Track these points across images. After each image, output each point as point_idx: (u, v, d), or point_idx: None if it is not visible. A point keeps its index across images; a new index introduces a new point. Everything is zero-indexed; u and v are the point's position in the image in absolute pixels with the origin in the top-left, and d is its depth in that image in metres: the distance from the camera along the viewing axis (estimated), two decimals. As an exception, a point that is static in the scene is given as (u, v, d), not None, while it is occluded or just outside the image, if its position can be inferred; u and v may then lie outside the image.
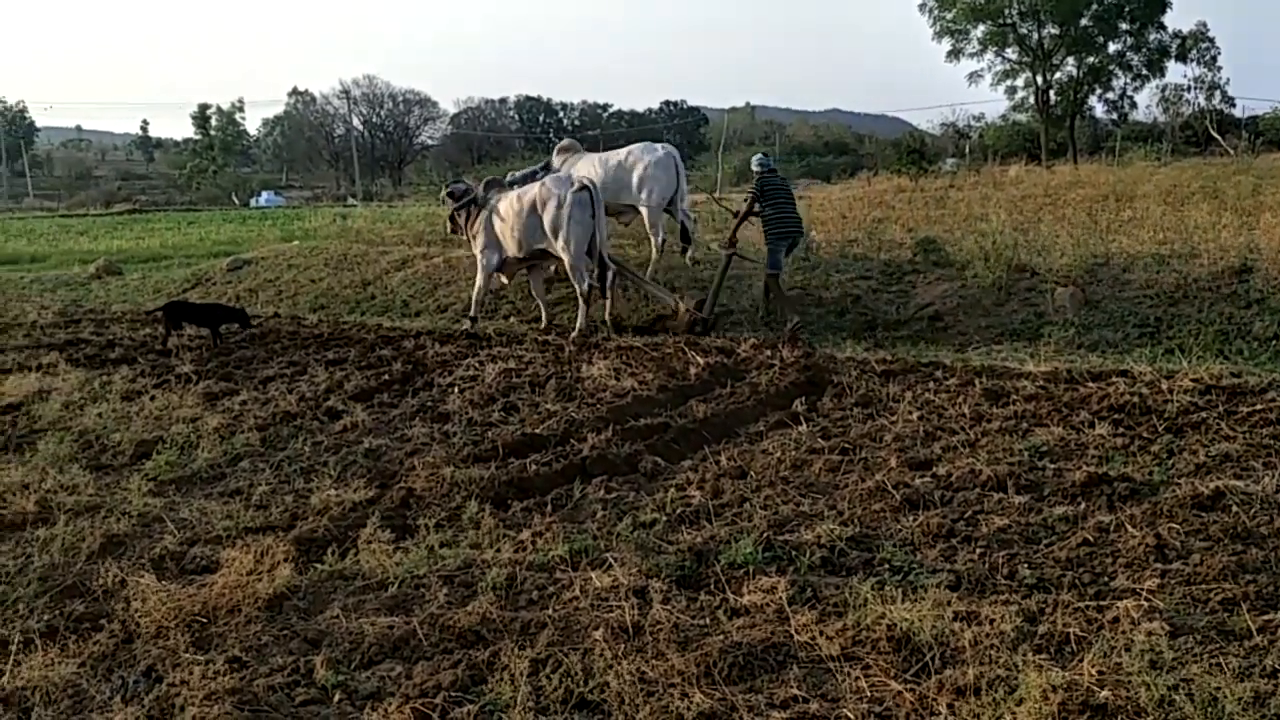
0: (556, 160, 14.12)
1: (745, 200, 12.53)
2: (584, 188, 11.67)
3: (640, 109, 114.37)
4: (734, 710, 3.57)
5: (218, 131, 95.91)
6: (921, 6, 54.99)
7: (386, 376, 9.53)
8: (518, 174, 13.70)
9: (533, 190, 11.90)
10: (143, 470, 6.84)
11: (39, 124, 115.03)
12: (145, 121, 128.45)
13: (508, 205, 12.04)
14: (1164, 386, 7.68)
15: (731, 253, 12.38)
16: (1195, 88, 61.23)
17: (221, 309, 13.06)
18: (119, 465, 7.09)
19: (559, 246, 11.60)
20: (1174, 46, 55.59)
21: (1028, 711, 3.42)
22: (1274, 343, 9.43)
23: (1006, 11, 53.16)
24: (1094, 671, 3.59)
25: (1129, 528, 5.01)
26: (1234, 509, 5.15)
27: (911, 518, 5.36)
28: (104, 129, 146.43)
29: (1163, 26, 54.12)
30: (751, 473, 6.35)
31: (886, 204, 21.09)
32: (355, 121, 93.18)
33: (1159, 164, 34.40)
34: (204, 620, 4.52)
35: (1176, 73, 76.83)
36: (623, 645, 4.04)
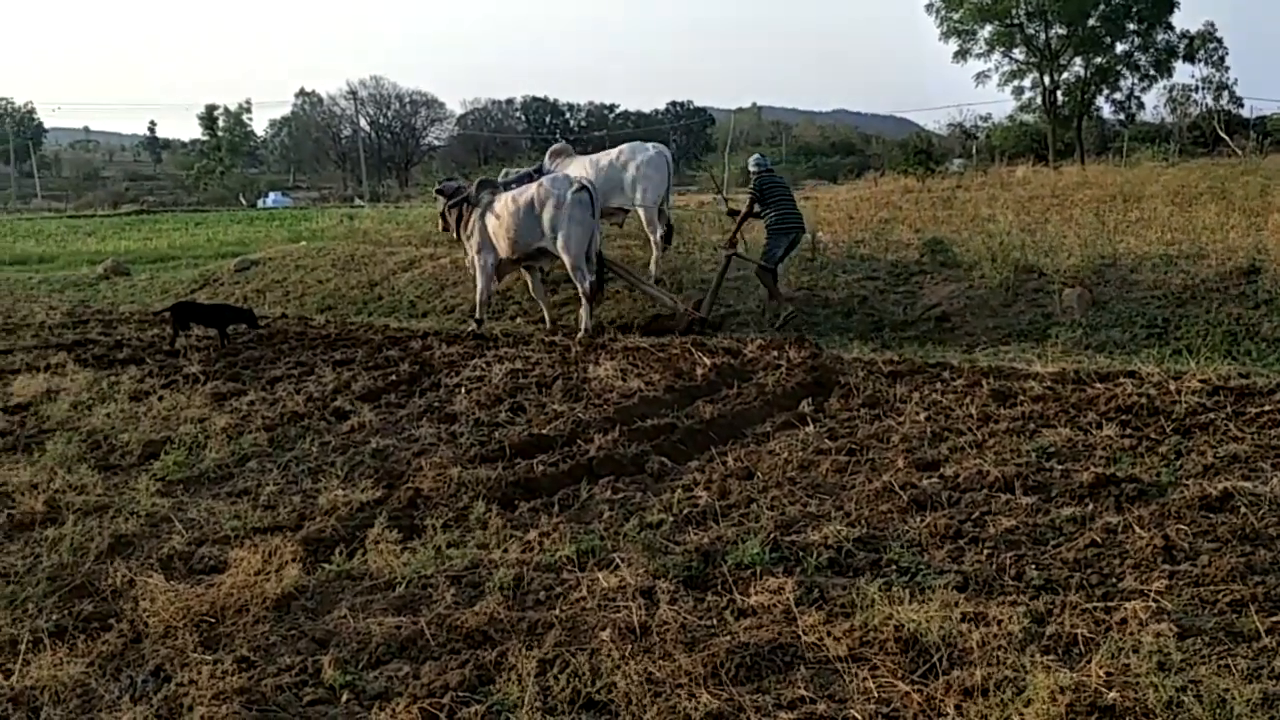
0: (549, 163, 14.17)
1: (746, 201, 12.59)
2: (584, 188, 11.68)
3: (647, 110, 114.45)
4: (741, 710, 3.57)
5: (225, 132, 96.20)
6: (929, 7, 54.94)
7: (394, 377, 9.54)
8: (511, 175, 13.72)
9: (530, 190, 11.89)
10: (151, 470, 6.85)
11: (47, 125, 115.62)
12: (153, 122, 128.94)
13: (503, 206, 12.02)
14: (1172, 387, 7.67)
15: (731, 253, 12.42)
16: (1203, 88, 61.07)
17: (229, 309, 13.09)
18: (127, 465, 7.10)
19: (559, 246, 11.60)
20: (1182, 47, 55.46)
21: (1035, 713, 3.41)
22: (1282, 343, 9.40)
23: (1014, 12, 53.07)
24: (1102, 673, 3.59)
25: (1137, 529, 5.00)
26: (1242, 510, 5.14)
27: (919, 518, 5.36)
28: (112, 130, 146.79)
29: (1170, 27, 54.02)
30: (758, 473, 6.35)
31: (893, 204, 21.06)
32: (362, 122, 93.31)
33: (1166, 164, 34.29)
34: (212, 620, 4.53)
35: (1184, 73, 76.56)
36: (630, 645, 4.04)
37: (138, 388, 9.41)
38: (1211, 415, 6.98)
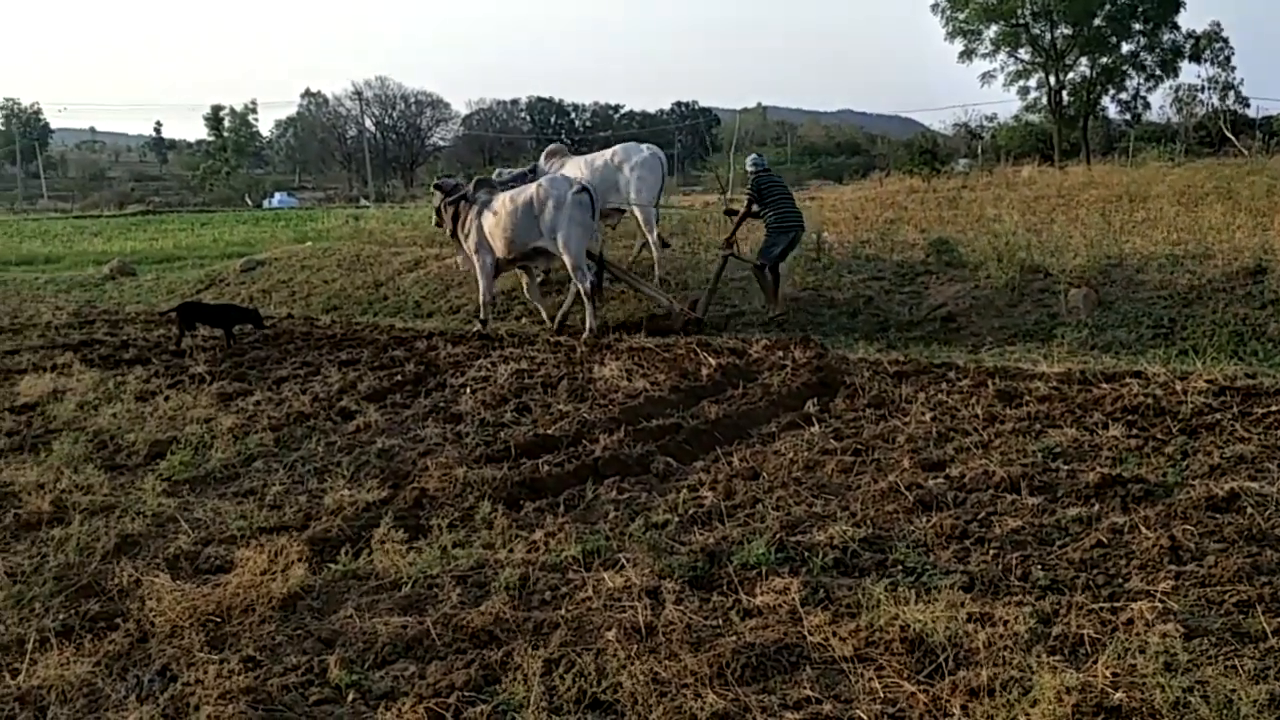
0: (544, 162, 14.22)
1: (734, 201, 12.61)
2: (584, 189, 11.72)
3: (651, 110, 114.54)
4: (747, 711, 3.57)
5: (231, 133, 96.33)
6: (934, 7, 54.98)
7: (399, 377, 9.55)
8: (505, 175, 13.75)
9: (529, 190, 11.90)
10: (157, 470, 6.86)
11: (53, 125, 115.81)
12: (159, 123, 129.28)
13: (501, 205, 12.04)
14: (1178, 388, 7.65)
15: (728, 254, 12.44)
16: (1209, 88, 60.97)
17: (235, 310, 13.10)
18: (133, 465, 7.11)
19: (560, 247, 11.62)
20: (1188, 47, 55.46)
21: (1042, 713, 3.41)
22: (1289, 344, 9.38)
23: (1019, 12, 53.08)
24: (1108, 673, 3.58)
25: (1143, 529, 4.99)
26: (1249, 510, 5.13)
27: (924, 519, 5.35)
28: (118, 130, 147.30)
29: (1176, 26, 54.04)
30: (764, 474, 6.35)
31: (899, 205, 21.08)
32: (367, 123, 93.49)
33: (1173, 164, 34.28)
34: (218, 620, 4.53)
35: (1190, 73, 76.37)
36: (635, 645, 4.04)
37: (144, 388, 9.43)
38: (1218, 415, 6.96)
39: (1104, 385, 7.94)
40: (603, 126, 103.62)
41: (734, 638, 4.06)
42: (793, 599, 4.38)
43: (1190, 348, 9.58)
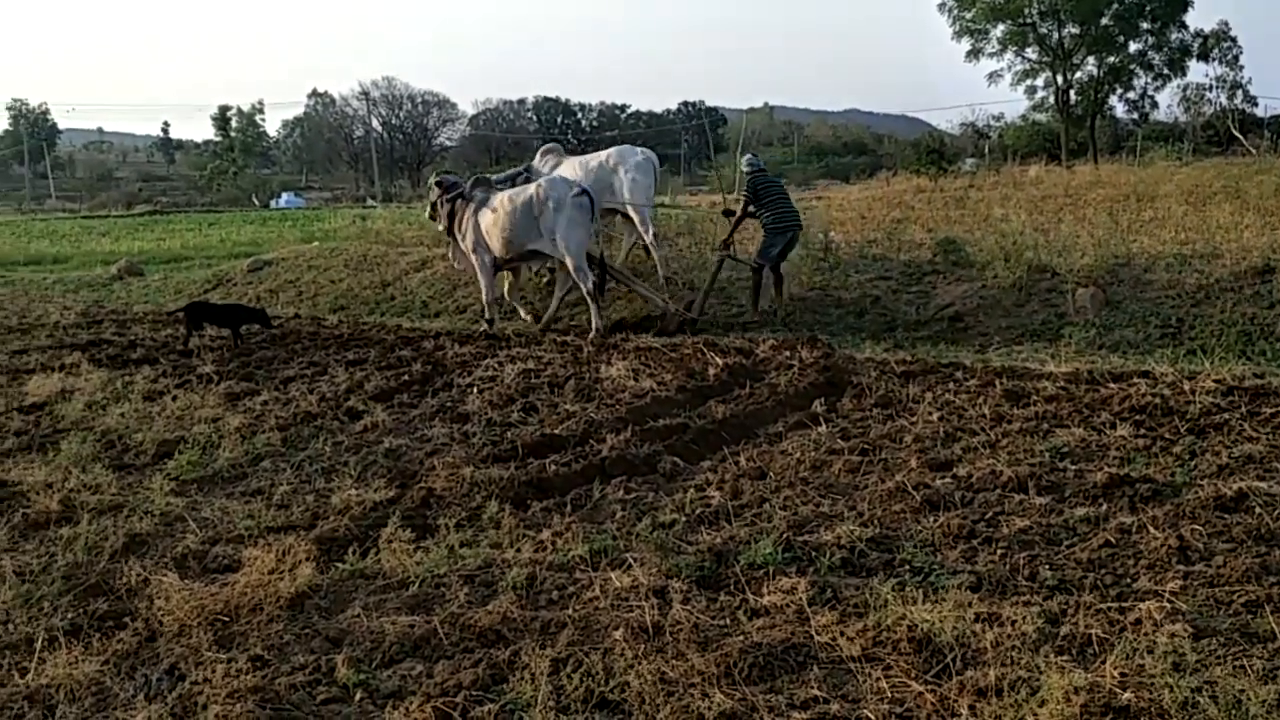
0: (539, 163, 14.27)
1: (739, 202, 12.62)
2: (584, 191, 11.77)
3: (658, 109, 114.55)
4: (754, 710, 3.57)
5: (238, 133, 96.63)
6: (941, 6, 54.93)
7: (406, 377, 9.56)
8: (501, 175, 13.79)
9: (529, 191, 11.92)
10: (165, 470, 6.88)
11: (61, 126, 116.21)
12: (166, 123, 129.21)
13: (499, 205, 12.05)
14: (1186, 387, 7.63)
15: (725, 255, 12.45)
16: (1217, 87, 60.89)
17: (242, 310, 13.13)
18: (141, 465, 7.13)
19: (560, 248, 11.64)
20: (1195, 46, 55.36)
21: (1050, 713, 3.40)
22: (1297, 343, 9.35)
23: (1026, 11, 53.01)
24: (1116, 673, 3.58)
25: (1151, 529, 4.98)
26: (1257, 510, 5.12)
27: (932, 519, 5.34)
28: (125, 131, 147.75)
29: (1184, 25, 53.95)
30: (771, 473, 6.34)
31: (906, 204, 21.05)
32: (374, 123, 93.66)
33: (1180, 164, 34.20)
34: (226, 619, 4.54)
35: (1198, 72, 76.16)
36: (643, 645, 4.04)
37: (152, 387, 9.45)
38: (1226, 415, 6.94)
39: (1112, 385, 7.92)
40: (609, 126, 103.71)
41: (741, 637, 4.06)
42: (800, 599, 4.37)
43: (1198, 347, 9.55)
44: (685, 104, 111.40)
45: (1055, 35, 53.89)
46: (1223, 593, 4.26)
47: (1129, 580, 4.49)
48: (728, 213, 13.16)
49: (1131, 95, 56.95)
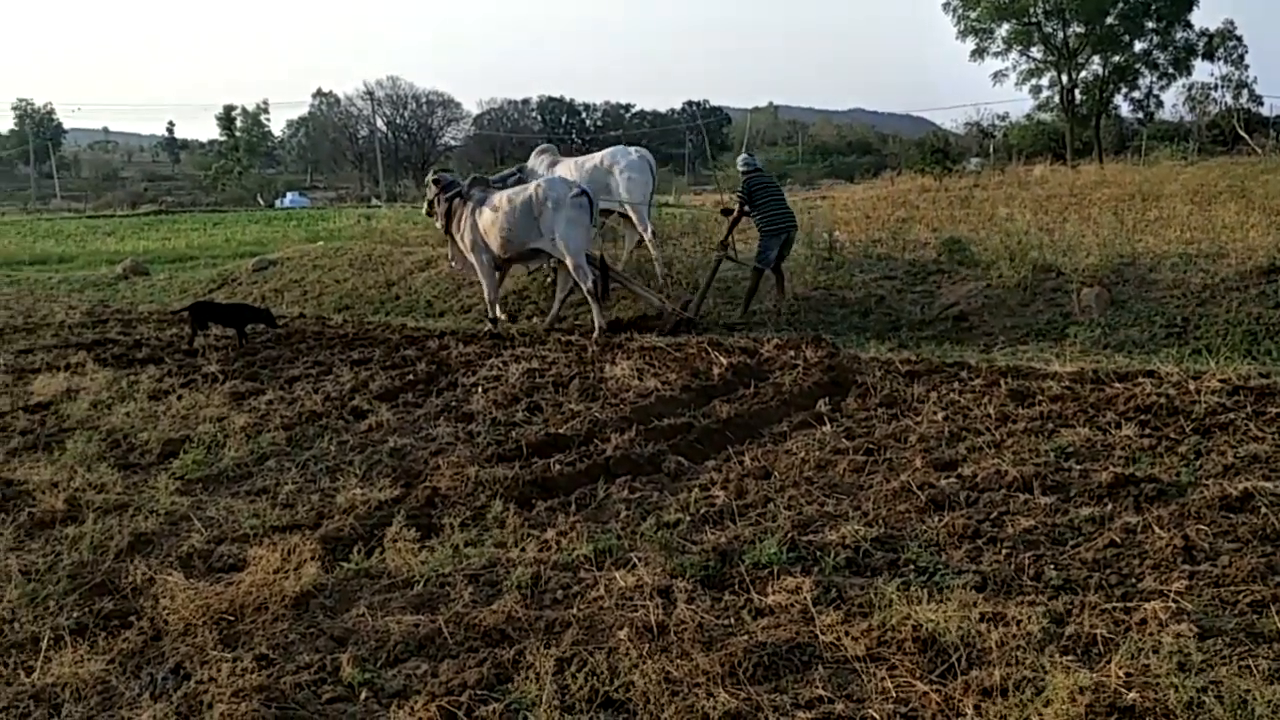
0: (534, 163, 14.29)
1: (736, 202, 12.63)
2: (583, 191, 11.81)
3: (663, 109, 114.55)
4: (759, 710, 3.57)
5: (243, 133, 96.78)
6: (946, 5, 54.90)
7: (411, 376, 9.57)
8: (495, 176, 13.81)
9: (528, 190, 11.94)
10: (170, 469, 6.89)
11: (66, 126, 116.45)
12: (171, 123, 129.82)
13: (498, 204, 12.07)
14: (1191, 387, 7.62)
15: (722, 255, 12.46)
16: (1222, 86, 60.79)
17: (247, 309, 13.15)
18: (147, 464, 7.14)
19: (560, 247, 11.66)
20: (1201, 45, 55.27)
21: (1055, 713, 3.40)
22: (1303, 343, 9.33)
23: (1031, 10, 52.94)
24: (1121, 673, 3.57)
25: (1156, 529, 4.97)
26: (1263, 510, 5.10)
27: (937, 518, 5.34)
28: (130, 131, 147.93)
29: (1189, 25, 53.89)
30: (775, 473, 6.34)
31: (910, 204, 21.05)
32: (379, 122, 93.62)
33: (1185, 163, 34.18)
34: (231, 618, 4.55)
35: (1203, 71, 76.24)
36: (647, 645, 4.04)
37: (157, 387, 9.47)
38: (1231, 415, 6.93)
39: (1117, 385, 7.90)
40: (613, 126, 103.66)
41: (746, 637, 4.06)
42: (805, 598, 4.37)
43: (1204, 347, 9.54)
44: (690, 103, 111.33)
45: (1060, 34, 53.83)
46: (1228, 593, 4.25)
47: (1134, 580, 4.48)
48: (726, 211, 13.18)
49: (1136, 94, 56.92)
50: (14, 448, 7.57)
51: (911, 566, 4.75)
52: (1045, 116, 60.12)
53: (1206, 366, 8.53)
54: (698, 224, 17.30)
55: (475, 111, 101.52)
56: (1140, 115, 58.98)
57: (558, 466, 6.50)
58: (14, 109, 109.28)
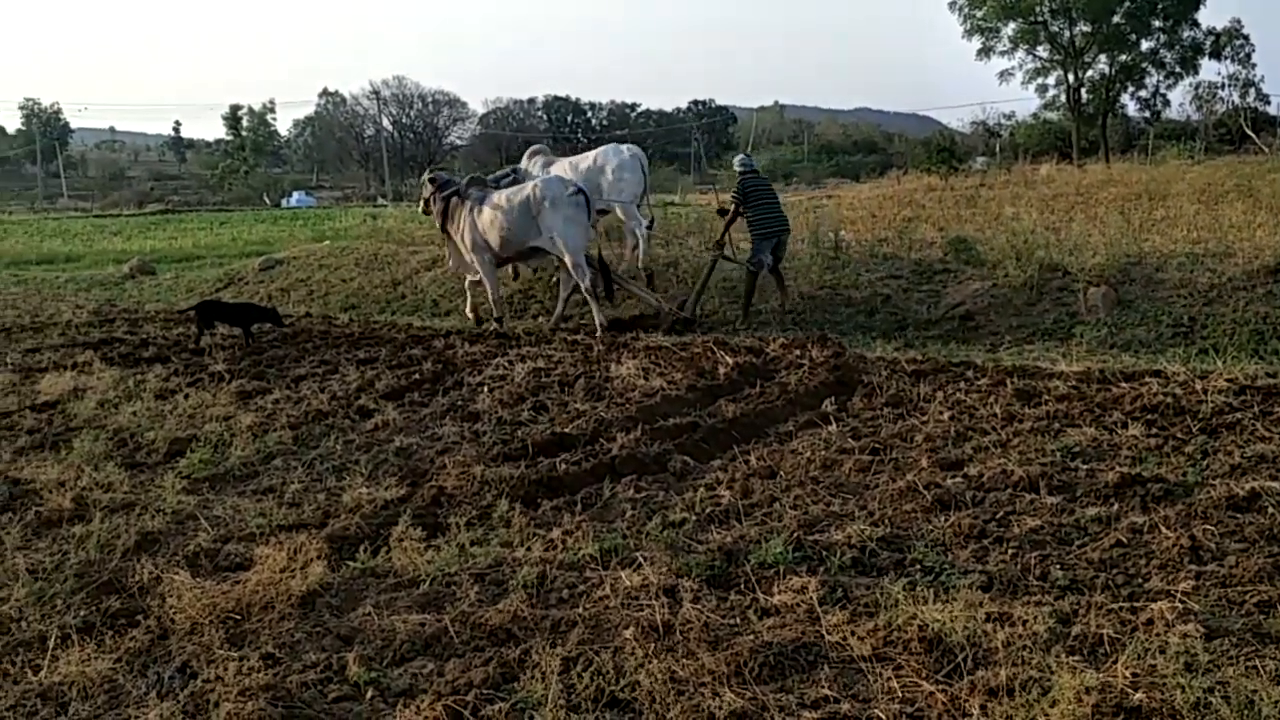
0: (527, 163, 14.33)
1: (730, 202, 12.64)
2: (580, 190, 11.87)
3: (669, 108, 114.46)
4: (765, 710, 3.57)
5: (249, 132, 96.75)
6: (952, 4, 54.80)
7: (417, 376, 9.58)
8: (490, 176, 13.83)
9: (526, 190, 11.97)
10: (177, 468, 6.90)
11: (73, 125, 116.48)
12: (178, 123, 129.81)
13: (496, 204, 12.11)
14: (1198, 387, 7.60)
15: (718, 255, 12.47)
16: (1229, 85, 60.54)
17: (254, 308, 13.16)
18: (153, 463, 7.15)
19: (559, 246, 11.69)
20: (1208, 44, 55.13)
21: (1061, 713, 3.39)
22: (1311, 343, 9.31)
23: (1037, 9, 52.85)
24: (1128, 673, 3.57)
25: (1163, 529, 4.96)
26: (1270, 510, 5.10)
27: (943, 518, 5.33)
28: (137, 130, 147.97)
29: (1196, 23, 53.77)
30: (781, 472, 6.34)
31: (916, 203, 21.03)
32: (385, 122, 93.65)
33: (1192, 162, 34.11)
34: (238, 617, 4.55)
35: (1210, 70, 75.94)
36: (653, 644, 4.04)
37: (164, 386, 9.48)
38: (1238, 415, 6.91)
39: (1123, 384, 7.89)
40: (619, 125, 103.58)
41: (752, 637, 4.06)
42: (810, 598, 4.37)
43: (1210, 346, 9.52)
44: (695, 102, 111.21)
45: (1067, 33, 53.74)
46: (1235, 593, 4.24)
47: (1141, 580, 4.48)
48: (722, 212, 13.18)
49: (1143, 93, 56.78)
50: (21, 447, 7.59)
51: (917, 566, 4.74)
52: (1051, 116, 60.02)
53: (1213, 366, 8.52)
54: (703, 223, 17.31)
55: (481, 111, 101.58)
56: (1147, 114, 58.84)
57: (563, 466, 6.51)
58: (21, 108, 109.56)
